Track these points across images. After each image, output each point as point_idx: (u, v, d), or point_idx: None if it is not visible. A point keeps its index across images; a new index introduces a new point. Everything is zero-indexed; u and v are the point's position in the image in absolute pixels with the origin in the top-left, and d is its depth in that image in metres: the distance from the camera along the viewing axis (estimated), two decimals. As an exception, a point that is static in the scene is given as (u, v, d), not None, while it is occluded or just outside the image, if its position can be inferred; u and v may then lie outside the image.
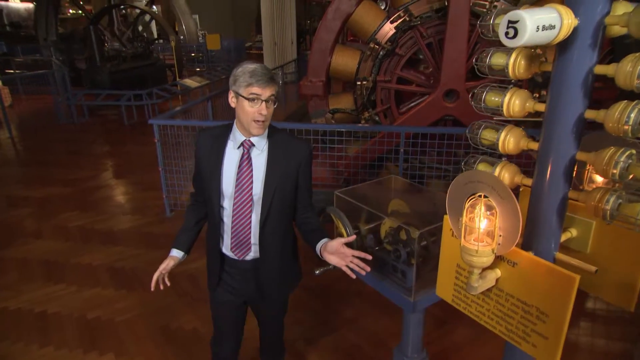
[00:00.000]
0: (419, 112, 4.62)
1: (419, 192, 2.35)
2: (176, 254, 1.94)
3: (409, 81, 4.94)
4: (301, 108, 8.97)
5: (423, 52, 4.80)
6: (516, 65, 1.42)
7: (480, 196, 1.28)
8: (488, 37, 1.53)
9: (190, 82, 10.51)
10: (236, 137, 1.77)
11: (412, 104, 4.99)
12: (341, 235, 2.00)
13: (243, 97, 1.65)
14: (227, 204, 1.80)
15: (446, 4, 4.51)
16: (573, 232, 1.59)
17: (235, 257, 1.88)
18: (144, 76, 10.90)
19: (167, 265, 1.90)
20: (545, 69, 1.40)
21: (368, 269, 1.71)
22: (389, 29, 4.81)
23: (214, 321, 2.10)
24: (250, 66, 1.67)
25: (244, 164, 1.76)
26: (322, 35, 4.96)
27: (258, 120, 1.67)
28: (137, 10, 15.05)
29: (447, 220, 1.55)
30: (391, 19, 4.79)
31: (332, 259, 1.72)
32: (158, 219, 4.75)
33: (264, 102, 1.65)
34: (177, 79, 10.51)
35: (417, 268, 1.85)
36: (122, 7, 14.48)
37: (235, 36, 19.89)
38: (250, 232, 1.82)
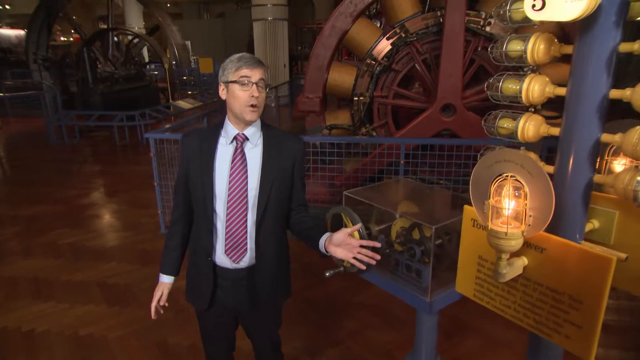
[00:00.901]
0: (417, 127, 4.63)
1: (428, 193, 2.30)
2: (166, 279, 1.87)
3: (406, 97, 4.98)
4: (294, 129, 8.99)
5: (419, 68, 4.85)
6: (535, 50, 1.40)
7: (507, 177, 1.23)
8: (504, 24, 1.52)
9: (184, 104, 10.50)
10: (228, 131, 1.70)
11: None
12: (353, 237, 1.93)
13: (233, 82, 1.61)
14: (221, 206, 1.70)
15: (441, 20, 4.59)
16: (595, 224, 1.55)
17: (229, 265, 1.76)
18: (137, 98, 10.86)
19: (162, 294, 1.85)
20: (565, 52, 1.38)
21: (378, 257, 1.65)
22: (385, 45, 4.87)
23: (201, 331, 1.96)
24: (236, 54, 1.66)
25: (238, 159, 1.69)
26: (318, 51, 4.99)
27: (252, 105, 1.62)
28: (129, 37, 15.15)
29: (467, 210, 1.50)
30: (387, 35, 4.86)
31: (339, 252, 1.64)
32: (152, 236, 4.62)
33: (254, 85, 1.61)
34: (170, 101, 10.51)
35: (433, 266, 1.78)
36: (114, 31, 14.57)
37: (227, 62, 20.04)
38: (246, 233, 1.71)
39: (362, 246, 1.65)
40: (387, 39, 4.87)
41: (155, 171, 4.47)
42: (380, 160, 4.42)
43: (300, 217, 1.84)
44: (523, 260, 1.33)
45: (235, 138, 1.69)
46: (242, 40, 23.38)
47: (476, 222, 1.46)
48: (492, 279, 1.46)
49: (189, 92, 14.34)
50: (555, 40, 1.39)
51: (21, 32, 25.37)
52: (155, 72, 17.40)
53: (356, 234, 1.90)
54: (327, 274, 1.93)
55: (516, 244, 1.24)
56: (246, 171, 1.69)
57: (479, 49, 4.71)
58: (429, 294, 1.78)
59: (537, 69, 1.48)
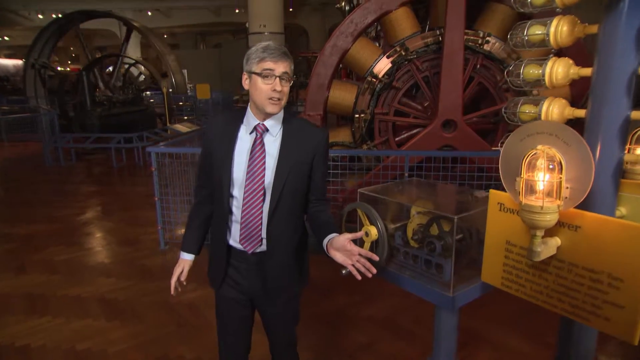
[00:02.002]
0: (419, 143, 4.64)
1: (443, 190, 2.26)
2: (187, 257, 1.87)
3: (407, 114, 5.01)
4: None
5: (419, 85, 4.91)
6: (558, 32, 1.40)
7: (539, 150, 1.20)
8: (522, 10, 1.53)
9: (181, 127, 10.51)
10: (249, 121, 1.69)
11: (407, 134, 5.03)
12: (368, 234, 1.88)
13: (256, 74, 1.58)
14: (238, 192, 1.69)
15: (440, 39, 4.68)
16: (623, 211, 1.52)
17: (243, 250, 1.74)
18: (135, 121, 10.85)
19: (182, 270, 1.84)
20: (589, 32, 1.38)
21: (374, 270, 1.57)
22: (385, 63, 4.93)
23: (218, 324, 1.90)
24: (263, 43, 1.63)
25: (257, 150, 1.66)
26: (319, 70, 5.02)
27: (273, 98, 1.59)
28: (126, 66, 15.33)
29: (493, 194, 1.47)
30: (387, 54, 4.93)
31: (338, 257, 1.57)
32: (151, 252, 4.51)
33: (277, 78, 1.58)
34: (168, 124, 10.52)
35: (454, 258, 1.72)
36: (110, 57, 14.77)
37: (222, 90, 20.33)
38: (260, 224, 1.69)
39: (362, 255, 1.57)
40: (388, 57, 4.93)
41: (156, 185, 4.40)
42: (384, 173, 4.39)
43: (316, 211, 1.80)
44: (556, 241, 1.29)
45: (255, 129, 1.67)
46: (238, 69, 23.73)
47: (503, 205, 1.43)
48: (521, 265, 1.41)
49: (185, 118, 14.40)
50: (578, 21, 1.40)
51: (19, 62, 25.75)
52: (152, 100, 17.57)
53: (373, 232, 1.86)
54: (344, 272, 1.86)
55: (552, 218, 1.20)
56: (264, 163, 1.67)
57: (478, 66, 4.78)
58: (451, 288, 1.72)
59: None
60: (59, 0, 20.79)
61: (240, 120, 1.71)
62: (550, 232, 1.29)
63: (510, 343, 2.89)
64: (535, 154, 1.20)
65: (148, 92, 17.98)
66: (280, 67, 1.58)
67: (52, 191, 7.19)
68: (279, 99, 1.61)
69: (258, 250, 1.74)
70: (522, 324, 3.08)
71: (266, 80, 1.58)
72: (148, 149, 4.42)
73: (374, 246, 1.88)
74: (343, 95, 5.14)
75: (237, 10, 22.43)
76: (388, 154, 4.52)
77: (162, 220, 4.50)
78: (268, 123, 1.68)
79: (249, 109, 1.70)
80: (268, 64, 1.57)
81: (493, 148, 4.84)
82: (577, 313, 1.29)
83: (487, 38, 4.72)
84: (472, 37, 4.72)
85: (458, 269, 1.80)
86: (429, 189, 2.25)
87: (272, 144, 1.68)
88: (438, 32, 4.76)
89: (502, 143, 1.60)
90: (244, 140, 1.69)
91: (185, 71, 21.37)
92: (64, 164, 9.15)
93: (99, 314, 3.31)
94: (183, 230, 4.38)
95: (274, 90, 1.58)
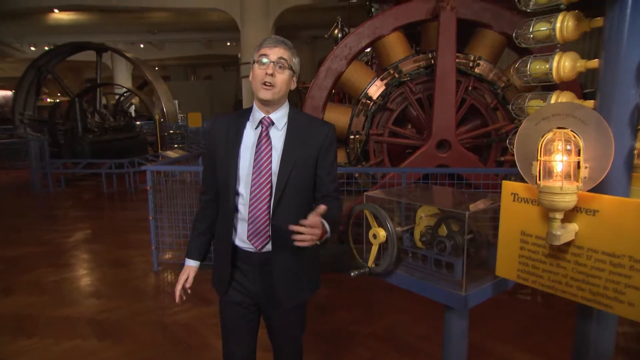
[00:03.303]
0: (414, 163, 4.67)
1: (445, 194, 2.26)
2: (192, 263, 1.82)
3: (401, 135, 5.07)
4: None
5: (413, 107, 4.99)
6: (564, 27, 1.44)
7: (556, 131, 1.21)
8: (525, 9, 1.58)
9: (172, 154, 10.49)
10: (255, 115, 1.69)
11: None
12: (376, 236, 1.86)
13: (254, 61, 1.62)
14: (244, 189, 1.66)
15: (433, 62, 4.80)
16: (633, 203, 1.52)
17: (251, 249, 1.70)
18: (126, 148, 10.81)
19: (187, 276, 1.79)
20: (595, 25, 1.42)
21: (317, 232, 1.57)
22: (379, 86, 5.03)
23: (222, 330, 1.83)
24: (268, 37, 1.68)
25: (263, 142, 1.66)
26: (314, 93, 5.10)
27: (266, 82, 1.59)
28: (116, 97, 15.45)
29: (506, 185, 1.46)
30: (381, 76, 5.03)
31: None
32: (144, 273, 4.39)
33: (271, 64, 1.59)
34: (159, 151, 10.49)
35: (466, 256, 1.70)
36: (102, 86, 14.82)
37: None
38: (268, 219, 1.66)
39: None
40: (381, 79, 5.03)
41: (151, 205, 4.33)
42: (381, 191, 4.39)
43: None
44: (574, 226, 1.28)
45: (260, 122, 1.67)
46: (229, 100, 24.03)
47: (517, 195, 1.42)
48: (538, 255, 1.40)
49: (176, 145, 14.41)
50: (583, 16, 1.44)
51: (8, 93, 25.73)
52: (143, 131, 17.63)
53: (381, 234, 1.84)
54: (353, 274, 1.84)
55: (571, 200, 1.20)
56: (270, 155, 1.66)
57: (469, 88, 4.90)
58: (463, 287, 1.69)
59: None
60: (52, 33, 20.99)
61: (246, 118, 1.71)
62: (567, 219, 1.28)
63: (516, 357, 2.83)
64: (551, 136, 1.21)
65: (138, 122, 18.04)
66: (276, 52, 1.60)
67: (41, 216, 7.04)
68: (270, 84, 1.60)
69: (264, 250, 1.70)
70: (526, 338, 3.03)
71: (262, 66, 1.60)
72: (144, 167, 4.38)
73: (382, 248, 1.86)
74: (337, 117, 5.20)
75: (228, 43, 22.87)
76: (384, 171, 4.54)
77: (155, 241, 4.41)
78: (273, 116, 1.68)
79: (254, 104, 1.71)
80: (264, 50, 1.61)
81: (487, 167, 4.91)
82: (599, 300, 1.27)
83: (478, 61, 4.85)
84: (463, 61, 4.85)
85: (469, 269, 1.77)
86: (432, 193, 2.25)
87: (278, 138, 1.68)
88: (430, 55, 4.89)
89: (511, 139, 1.62)
90: (249, 137, 1.68)
91: (176, 102, 21.55)
92: (53, 190, 9.00)
93: (89, 334, 3.17)
94: (176, 253, 4.28)
95: (267, 73, 1.59)
